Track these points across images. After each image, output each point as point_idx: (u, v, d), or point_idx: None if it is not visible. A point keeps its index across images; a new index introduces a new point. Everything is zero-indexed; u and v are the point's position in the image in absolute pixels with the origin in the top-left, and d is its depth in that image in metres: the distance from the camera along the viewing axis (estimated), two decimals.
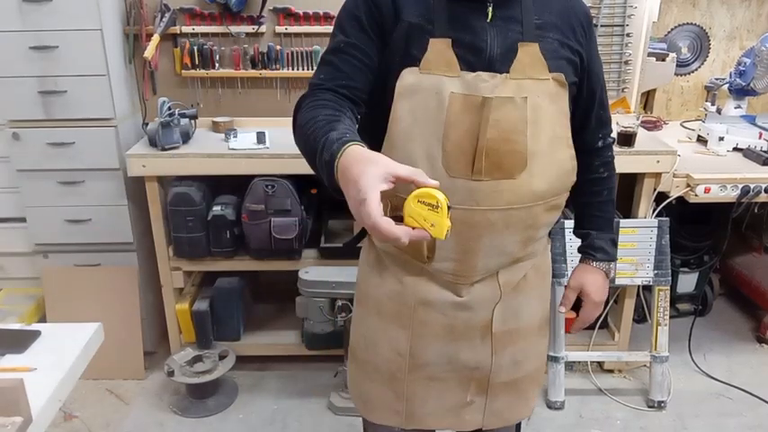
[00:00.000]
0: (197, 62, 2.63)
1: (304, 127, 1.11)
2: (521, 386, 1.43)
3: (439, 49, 1.15)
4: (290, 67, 2.65)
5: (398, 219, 1.10)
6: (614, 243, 1.46)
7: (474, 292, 1.30)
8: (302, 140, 1.12)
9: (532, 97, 1.17)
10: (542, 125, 1.19)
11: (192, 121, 2.51)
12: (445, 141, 1.16)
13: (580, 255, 1.49)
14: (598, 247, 1.44)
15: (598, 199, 1.45)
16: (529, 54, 1.17)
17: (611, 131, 1.44)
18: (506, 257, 1.28)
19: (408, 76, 1.16)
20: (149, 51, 2.50)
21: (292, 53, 2.63)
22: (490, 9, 1.17)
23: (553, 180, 1.24)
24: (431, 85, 1.15)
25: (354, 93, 1.20)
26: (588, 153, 1.39)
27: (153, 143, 2.38)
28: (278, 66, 2.64)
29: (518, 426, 1.61)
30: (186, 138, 2.45)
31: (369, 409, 1.47)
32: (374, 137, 1.19)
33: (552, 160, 1.22)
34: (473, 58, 1.16)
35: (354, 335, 1.45)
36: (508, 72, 1.16)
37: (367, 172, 0.90)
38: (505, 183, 1.18)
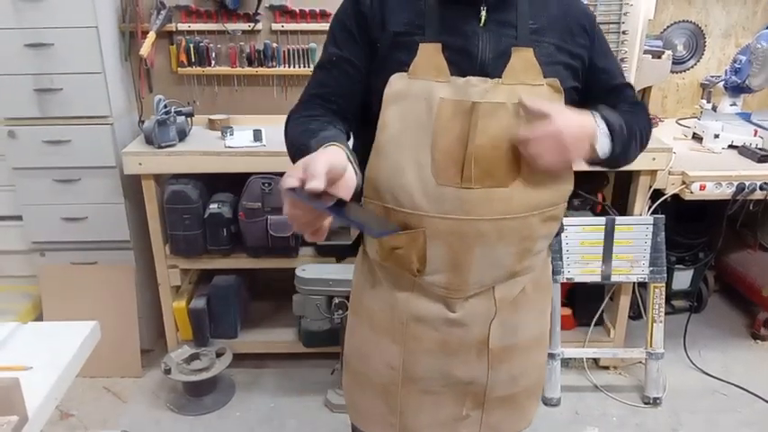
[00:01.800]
0: (193, 60, 2.63)
1: (294, 138, 1.14)
2: (518, 400, 1.39)
3: (429, 53, 1.13)
4: (287, 65, 2.65)
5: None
6: (613, 129, 1.18)
7: (468, 308, 1.25)
8: (292, 151, 1.14)
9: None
10: None
11: (189, 119, 2.51)
12: (434, 148, 1.12)
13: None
14: (601, 109, 1.20)
15: (616, 109, 1.23)
16: (522, 59, 1.14)
17: (634, 95, 1.32)
18: (502, 271, 1.23)
19: (397, 82, 1.13)
20: (145, 49, 2.50)
21: (289, 50, 2.63)
22: (484, 13, 1.14)
23: (549, 189, 1.19)
24: (420, 91, 1.12)
25: (343, 108, 1.20)
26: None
27: (149, 141, 2.38)
28: (274, 63, 2.64)
29: None
30: (182, 135, 2.45)
31: (362, 420, 1.44)
32: (367, 145, 1.18)
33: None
34: (464, 62, 1.13)
35: (348, 344, 1.43)
36: (500, 77, 1.13)
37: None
38: (497, 191, 1.13)
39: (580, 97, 1.24)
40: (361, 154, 1.17)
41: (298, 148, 1.11)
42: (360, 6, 1.18)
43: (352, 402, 1.46)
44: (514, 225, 1.17)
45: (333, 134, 1.08)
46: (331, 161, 0.92)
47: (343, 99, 1.20)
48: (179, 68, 2.64)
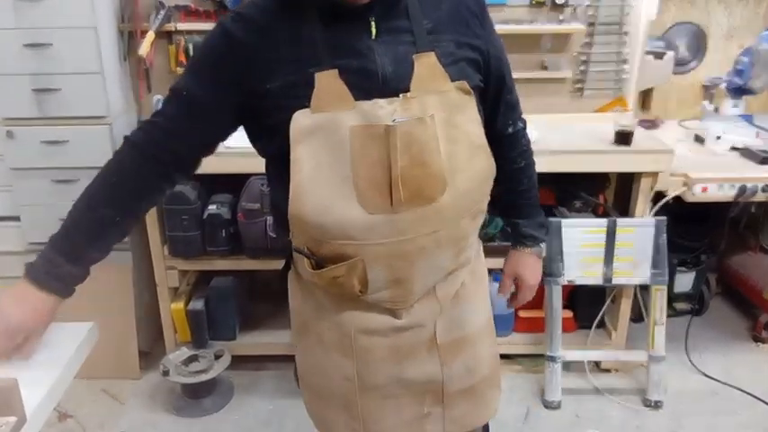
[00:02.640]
0: None
1: (75, 220, 1.19)
2: (478, 391, 1.38)
3: (327, 82, 1.07)
4: None
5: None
6: (542, 225, 1.48)
7: (414, 313, 1.24)
8: (71, 225, 1.19)
9: (439, 113, 1.10)
10: (455, 140, 1.12)
11: None
12: (356, 179, 1.08)
13: (512, 241, 1.51)
14: (527, 235, 1.47)
15: (520, 188, 1.44)
16: (426, 65, 1.10)
17: (521, 115, 1.40)
18: (441, 273, 1.23)
19: (301, 119, 1.07)
20: (144, 49, 2.49)
21: None
22: (373, 24, 1.09)
23: (475, 191, 1.19)
24: (327, 124, 1.07)
25: (179, 157, 1.21)
26: (501, 142, 1.35)
27: None
28: None
29: (486, 429, 1.56)
30: None
31: (328, 430, 1.42)
32: (286, 183, 1.12)
33: (472, 173, 1.16)
34: (366, 83, 1.08)
35: (302, 364, 1.40)
36: (408, 90, 1.08)
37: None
38: (428, 208, 1.11)
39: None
40: (282, 194, 1.14)
41: (71, 240, 1.20)
42: (234, 46, 1.11)
43: (316, 417, 1.44)
44: (449, 233, 1.17)
45: (92, 258, 1.24)
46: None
47: (183, 148, 1.20)
48: (178, 68, 2.63)
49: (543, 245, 1.49)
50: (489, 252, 1.50)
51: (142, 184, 1.21)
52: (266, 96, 1.10)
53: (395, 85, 1.09)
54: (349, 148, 1.07)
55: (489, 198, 1.27)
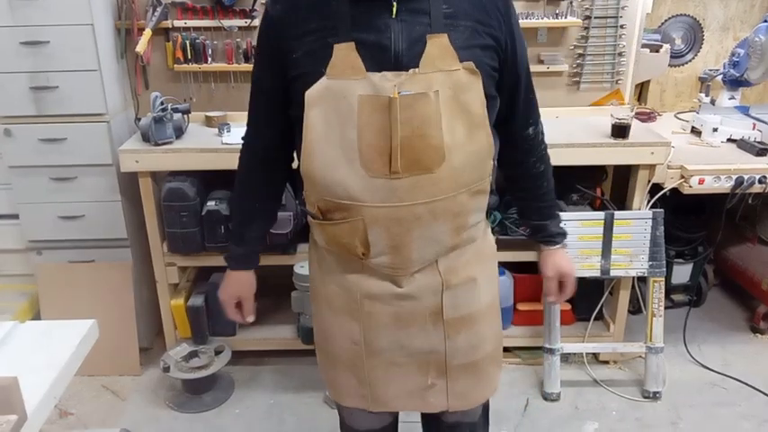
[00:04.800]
0: (189, 56, 2.62)
1: (235, 214, 1.54)
2: (481, 367, 1.46)
3: (343, 53, 1.16)
4: None
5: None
6: (561, 220, 1.57)
7: (415, 282, 1.33)
8: (231, 209, 1.50)
9: (444, 90, 1.17)
10: (457, 117, 1.20)
11: (185, 116, 2.50)
12: (360, 143, 1.18)
13: (540, 242, 1.56)
14: (557, 234, 1.54)
15: (540, 192, 1.50)
16: (437, 46, 1.17)
17: (540, 118, 1.45)
18: (441, 246, 1.30)
19: (316, 85, 1.18)
20: (141, 46, 2.49)
21: None
22: (394, 4, 1.17)
23: (473, 168, 1.26)
24: (339, 91, 1.17)
25: (278, 148, 1.41)
26: (520, 145, 1.43)
27: (146, 138, 2.37)
28: None
29: (486, 408, 1.64)
30: (179, 133, 2.44)
31: (338, 395, 1.52)
32: (302, 143, 1.24)
33: (471, 150, 1.23)
34: (379, 57, 1.17)
35: (315, 328, 1.53)
36: (417, 67, 1.16)
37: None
38: (425, 177, 1.20)
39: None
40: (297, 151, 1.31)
41: (234, 228, 1.56)
42: (272, 24, 1.25)
43: (327, 379, 1.54)
44: (446, 205, 1.24)
45: (252, 238, 1.51)
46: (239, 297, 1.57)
47: (275, 140, 1.39)
48: (175, 65, 2.63)
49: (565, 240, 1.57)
50: None
51: (262, 176, 1.46)
52: (294, 66, 1.22)
53: (406, 62, 1.17)
54: (356, 114, 1.17)
55: (491, 180, 1.33)
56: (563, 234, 1.55)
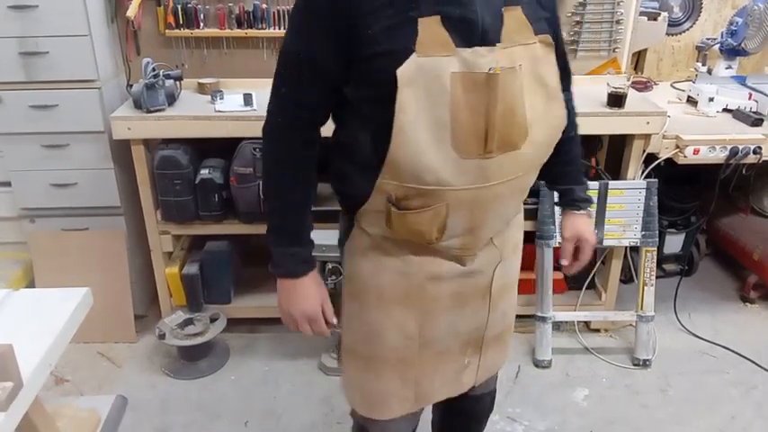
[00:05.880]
0: (181, 21, 2.58)
1: (280, 202, 1.31)
2: (504, 336, 1.52)
3: (430, 28, 1.09)
4: (277, 27, 2.60)
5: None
6: (587, 187, 1.56)
7: (477, 260, 1.33)
8: (271, 208, 1.31)
9: (525, 64, 1.15)
10: (536, 91, 1.18)
11: (177, 83, 2.47)
12: (454, 124, 1.12)
13: (563, 207, 1.56)
14: (583, 199, 1.53)
15: (570, 156, 1.49)
16: (514, 19, 1.14)
17: (572, 85, 1.45)
18: (504, 222, 1.33)
19: (408, 63, 1.09)
20: (132, 10, 2.44)
21: (279, 12, 2.58)
22: None
23: (551, 141, 1.26)
24: (430, 69, 1.10)
25: (317, 118, 1.26)
26: None
27: (138, 105, 2.34)
28: (264, 25, 2.59)
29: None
30: (171, 100, 2.41)
31: (377, 406, 1.44)
32: (382, 126, 1.13)
33: (549, 123, 1.23)
34: (467, 32, 1.11)
35: (351, 334, 1.41)
36: (498, 41, 1.12)
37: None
38: (512, 155, 1.17)
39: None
40: (372, 133, 1.18)
41: (289, 228, 1.32)
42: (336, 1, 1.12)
43: (362, 395, 1.45)
44: (521, 181, 1.24)
45: (308, 231, 1.34)
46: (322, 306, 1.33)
47: (317, 110, 1.25)
48: (167, 30, 2.59)
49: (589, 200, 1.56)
50: None
51: (309, 160, 1.28)
52: (370, 42, 1.12)
53: (492, 36, 1.13)
54: (449, 93, 1.10)
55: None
56: (588, 200, 1.55)
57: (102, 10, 2.44)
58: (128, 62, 2.61)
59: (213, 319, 2.56)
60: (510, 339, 1.57)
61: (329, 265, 2.33)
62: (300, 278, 1.31)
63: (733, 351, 2.64)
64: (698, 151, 2.36)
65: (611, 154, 2.75)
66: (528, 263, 2.71)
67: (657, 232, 2.48)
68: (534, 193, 2.51)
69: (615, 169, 2.58)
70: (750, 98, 2.59)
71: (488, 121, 1.12)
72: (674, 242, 3.01)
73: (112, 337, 2.67)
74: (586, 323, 2.78)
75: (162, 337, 2.45)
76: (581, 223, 1.54)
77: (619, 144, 2.54)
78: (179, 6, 2.55)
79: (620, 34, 2.70)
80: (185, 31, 2.59)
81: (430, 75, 1.10)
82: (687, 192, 2.89)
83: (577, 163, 1.54)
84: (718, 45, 2.84)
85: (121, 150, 2.48)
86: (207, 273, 2.63)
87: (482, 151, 1.14)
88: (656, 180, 2.44)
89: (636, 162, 2.44)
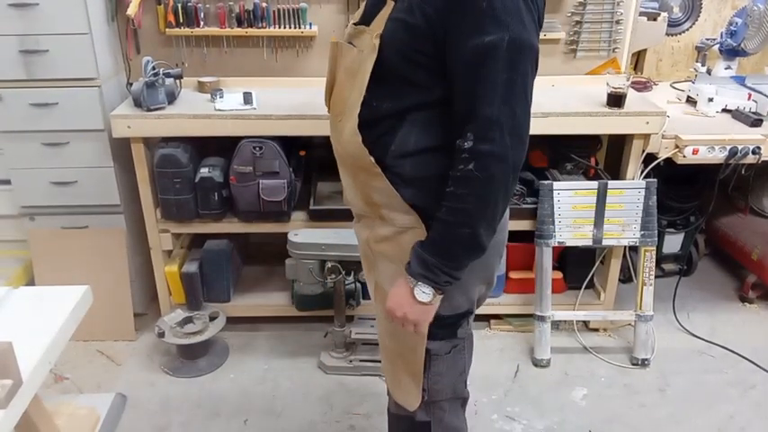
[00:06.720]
0: (181, 20, 2.58)
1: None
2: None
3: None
4: (277, 25, 2.60)
5: None
6: (426, 264, 1.23)
7: (356, 226, 1.50)
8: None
9: (363, 53, 1.26)
10: (356, 81, 1.27)
11: (177, 81, 2.47)
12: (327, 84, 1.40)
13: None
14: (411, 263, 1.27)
15: (437, 213, 1.22)
16: (385, 10, 1.24)
17: (478, 137, 1.13)
18: (356, 201, 1.41)
19: None
20: (132, 9, 2.44)
21: (279, 11, 2.58)
22: None
23: (348, 139, 1.30)
24: None
25: None
26: (449, 149, 1.20)
27: (138, 104, 2.34)
28: (264, 24, 2.59)
29: None
30: (171, 98, 2.42)
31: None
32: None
33: (349, 121, 1.29)
34: (361, 14, 1.34)
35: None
36: (368, 24, 1.27)
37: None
38: (335, 123, 1.35)
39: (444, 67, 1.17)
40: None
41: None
42: None
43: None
44: (347, 165, 1.37)
45: None
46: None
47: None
48: (167, 29, 2.59)
49: (423, 286, 1.25)
50: None
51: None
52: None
53: (367, 20, 1.29)
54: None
55: (380, 170, 1.26)
56: (416, 273, 1.25)
57: (102, 8, 2.44)
58: (128, 60, 2.61)
59: (212, 318, 2.56)
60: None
61: (328, 264, 2.33)
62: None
63: (731, 351, 2.64)
64: (697, 151, 2.37)
65: (610, 154, 2.76)
66: (527, 262, 2.72)
67: (656, 232, 2.48)
68: (534, 192, 2.51)
69: (614, 169, 2.59)
70: (749, 98, 2.60)
71: (330, 81, 1.37)
72: (673, 242, 3.02)
73: (112, 335, 2.67)
74: (585, 323, 2.78)
75: (161, 335, 2.46)
76: (394, 289, 1.31)
77: (618, 144, 2.54)
78: (179, 5, 2.55)
79: (620, 34, 2.70)
80: (185, 30, 2.59)
81: None
82: (686, 192, 2.89)
83: (435, 226, 1.23)
84: (718, 45, 2.84)
85: (121, 149, 2.48)
86: (206, 271, 2.64)
87: (328, 106, 1.39)
88: (656, 180, 2.45)
89: (635, 162, 2.45)
